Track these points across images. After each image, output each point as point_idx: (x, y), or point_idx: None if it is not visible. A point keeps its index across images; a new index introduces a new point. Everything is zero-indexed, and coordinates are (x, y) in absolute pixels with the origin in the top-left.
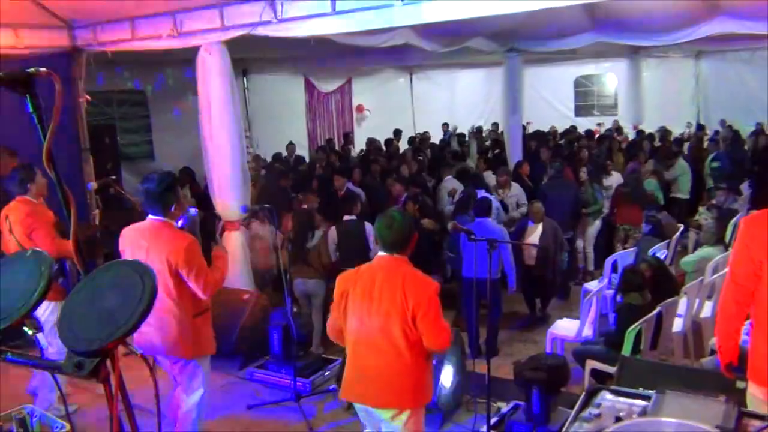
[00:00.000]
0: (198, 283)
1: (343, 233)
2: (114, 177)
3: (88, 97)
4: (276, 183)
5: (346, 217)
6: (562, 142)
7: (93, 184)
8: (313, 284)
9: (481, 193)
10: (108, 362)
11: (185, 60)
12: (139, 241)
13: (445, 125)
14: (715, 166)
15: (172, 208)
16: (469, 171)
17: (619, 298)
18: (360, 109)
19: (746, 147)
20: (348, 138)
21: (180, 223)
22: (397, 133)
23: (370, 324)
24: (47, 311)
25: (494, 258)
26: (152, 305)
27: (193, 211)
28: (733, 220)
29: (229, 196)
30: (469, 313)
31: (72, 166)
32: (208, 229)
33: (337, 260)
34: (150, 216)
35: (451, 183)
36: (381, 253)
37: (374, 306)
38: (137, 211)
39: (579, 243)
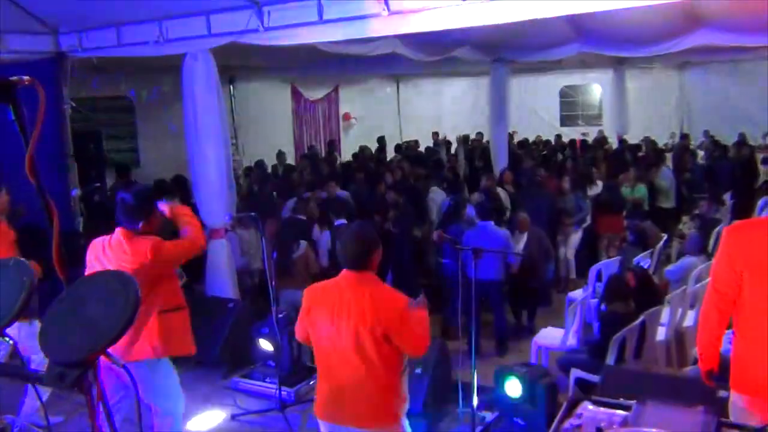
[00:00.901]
0: (178, 252)
1: (335, 238)
2: (98, 184)
3: (73, 103)
4: (261, 189)
5: (337, 222)
6: (545, 152)
7: (77, 191)
8: (297, 295)
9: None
10: (90, 373)
11: (171, 66)
12: (105, 252)
13: (435, 134)
14: (688, 177)
15: (140, 225)
16: (458, 179)
17: (603, 306)
18: (347, 117)
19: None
20: (333, 145)
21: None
22: (381, 140)
23: (340, 343)
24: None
25: (497, 260)
26: (136, 315)
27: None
28: (716, 229)
29: (214, 203)
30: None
31: (56, 173)
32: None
33: (330, 265)
34: (119, 227)
35: (437, 195)
36: (346, 270)
37: (343, 324)
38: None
39: (561, 251)
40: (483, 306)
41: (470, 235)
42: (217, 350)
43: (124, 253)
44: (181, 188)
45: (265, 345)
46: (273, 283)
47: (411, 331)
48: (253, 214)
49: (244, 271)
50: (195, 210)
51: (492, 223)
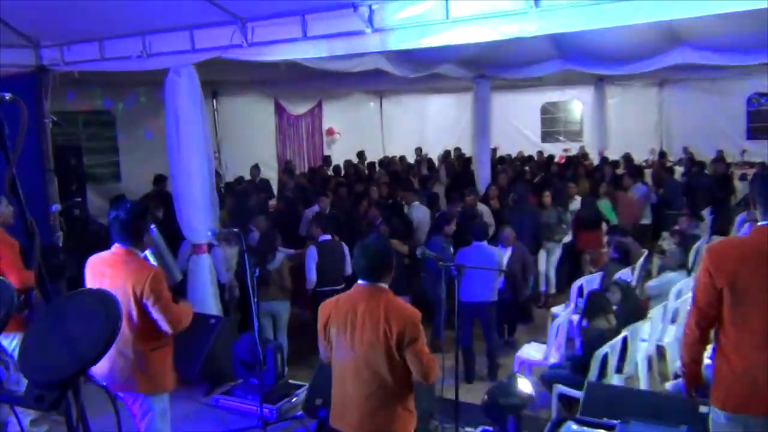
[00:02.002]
0: (164, 314)
1: (321, 253)
2: (79, 199)
3: (54, 118)
4: (244, 204)
5: (321, 237)
6: (527, 167)
7: (57, 206)
8: (275, 305)
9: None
10: (70, 394)
11: (154, 81)
12: (102, 269)
13: (419, 150)
14: (661, 193)
15: (143, 239)
16: (437, 196)
17: (584, 322)
18: (330, 132)
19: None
20: (327, 161)
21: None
22: (361, 154)
23: (353, 354)
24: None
25: (491, 281)
26: (116, 335)
27: (151, 228)
28: (696, 245)
29: (196, 218)
30: (464, 337)
31: (36, 187)
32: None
33: (318, 281)
34: (116, 244)
35: (418, 210)
36: (360, 282)
37: (356, 336)
38: (102, 234)
39: (542, 266)
40: (475, 325)
41: (464, 253)
42: (199, 367)
43: (130, 271)
44: (164, 203)
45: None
46: (255, 299)
47: (421, 347)
48: (236, 229)
49: (228, 287)
50: (177, 225)
51: (485, 243)
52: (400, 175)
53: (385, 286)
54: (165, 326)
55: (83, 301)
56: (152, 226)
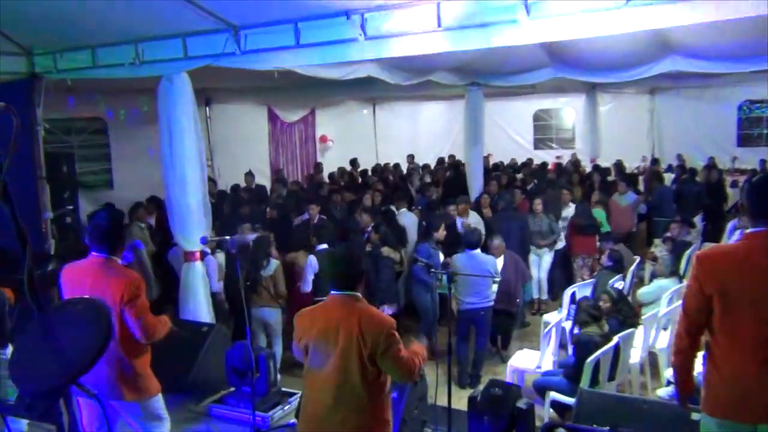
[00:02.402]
0: (138, 322)
1: (320, 261)
2: (71, 207)
3: (46, 125)
4: (237, 212)
5: (319, 246)
6: (520, 175)
7: (49, 214)
8: (268, 312)
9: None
10: (60, 403)
11: (147, 88)
12: (81, 279)
13: (411, 157)
14: (650, 200)
15: (110, 248)
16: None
17: (577, 329)
18: (324, 139)
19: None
20: (318, 168)
21: (121, 260)
22: (354, 162)
23: (327, 363)
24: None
25: (486, 286)
26: (108, 344)
27: (138, 244)
28: (687, 252)
29: (189, 226)
30: (459, 343)
31: (27, 194)
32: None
33: (313, 289)
34: (93, 253)
35: (405, 217)
36: (333, 292)
37: (331, 344)
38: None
39: (534, 273)
40: (470, 332)
41: (459, 260)
42: (191, 375)
43: (110, 279)
44: (157, 208)
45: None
46: (247, 306)
47: (397, 354)
48: (228, 237)
49: (219, 296)
50: (169, 232)
51: (479, 251)
52: (397, 183)
53: (359, 294)
54: (138, 334)
55: (74, 309)
56: (139, 242)
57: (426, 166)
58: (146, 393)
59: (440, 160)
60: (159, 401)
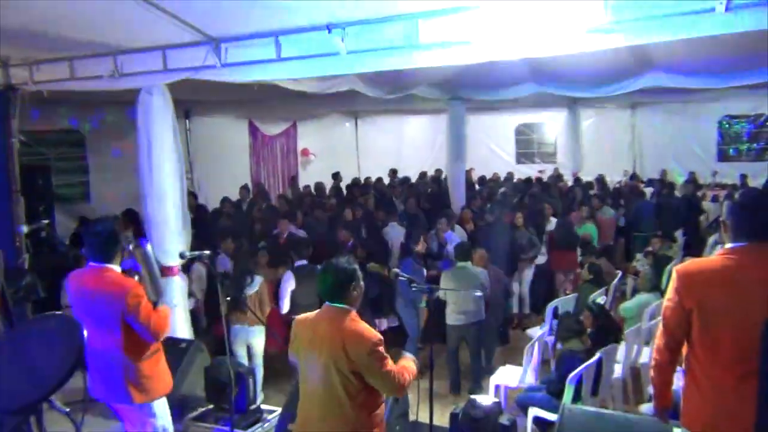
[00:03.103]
0: (146, 325)
1: (297, 279)
2: (47, 221)
3: (21, 137)
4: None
5: (297, 262)
6: (503, 189)
7: (24, 228)
8: (252, 332)
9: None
10: (32, 420)
11: (125, 100)
12: (82, 289)
13: (393, 171)
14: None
15: (106, 257)
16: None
17: (559, 344)
18: (305, 152)
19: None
20: (294, 181)
21: (123, 265)
22: (336, 175)
23: (314, 375)
24: None
25: (476, 300)
26: (81, 360)
27: (143, 243)
28: (668, 266)
29: (167, 240)
30: (450, 356)
31: (2, 208)
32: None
33: (291, 309)
34: (90, 263)
35: (393, 230)
36: (327, 304)
37: (316, 356)
38: (70, 257)
39: (515, 287)
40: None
41: (448, 274)
42: (171, 392)
43: (110, 288)
44: (133, 222)
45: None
46: (227, 322)
47: (382, 370)
48: (207, 252)
49: (200, 311)
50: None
51: (470, 263)
52: (385, 195)
53: (349, 308)
54: (149, 336)
55: (46, 326)
56: (144, 239)
57: (405, 180)
58: (155, 393)
59: (422, 174)
60: (164, 403)
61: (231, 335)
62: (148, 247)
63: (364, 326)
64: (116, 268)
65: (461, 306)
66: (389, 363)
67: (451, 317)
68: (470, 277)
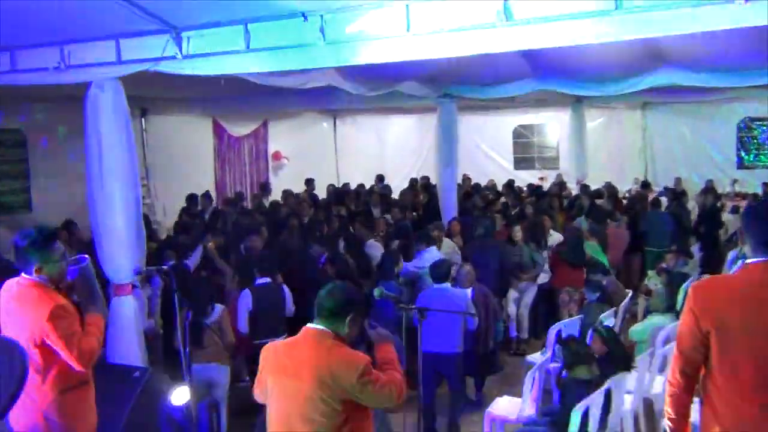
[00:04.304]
0: (70, 352)
1: (257, 299)
2: None
3: None
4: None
5: (258, 280)
6: (504, 199)
7: None
8: (213, 371)
9: None
10: None
11: (73, 96)
12: (8, 305)
13: (380, 177)
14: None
15: (35, 267)
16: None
17: (563, 372)
18: (277, 156)
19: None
20: (265, 189)
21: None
22: (310, 182)
23: (289, 408)
24: None
25: (457, 328)
26: (23, 387)
27: (83, 259)
28: (684, 285)
29: (119, 254)
30: (426, 393)
31: None
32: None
33: (250, 332)
34: (23, 274)
35: (373, 248)
36: (310, 325)
37: (295, 387)
38: (11, 271)
39: (512, 309)
40: (437, 380)
41: (426, 296)
42: (120, 427)
43: (30, 306)
44: (72, 234)
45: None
46: (186, 348)
47: (376, 389)
48: (165, 267)
49: (154, 335)
50: (96, 262)
51: (449, 285)
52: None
53: (336, 333)
54: (74, 365)
55: None
56: (85, 256)
57: (386, 188)
58: None
59: (413, 182)
60: None
61: (192, 374)
62: (88, 264)
63: (349, 350)
64: (47, 281)
65: (437, 332)
66: (381, 378)
67: (425, 344)
68: (450, 299)
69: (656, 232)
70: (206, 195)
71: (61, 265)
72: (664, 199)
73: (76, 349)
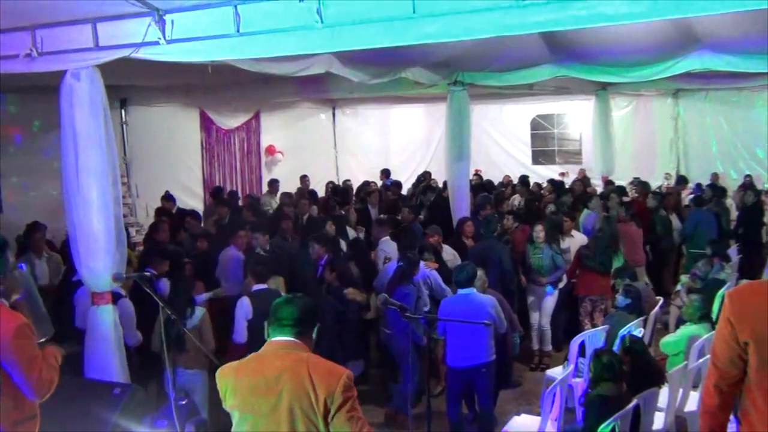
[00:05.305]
0: (30, 378)
1: (256, 306)
2: None
3: None
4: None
5: (255, 287)
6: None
7: None
8: (190, 376)
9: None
10: None
11: (46, 86)
12: None
13: (385, 173)
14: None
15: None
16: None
17: (588, 388)
18: (271, 150)
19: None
20: (273, 186)
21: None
22: (304, 179)
23: (267, 426)
24: None
25: (485, 336)
26: None
27: (22, 266)
28: (720, 291)
29: (97, 259)
30: (452, 412)
31: None
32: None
33: (248, 341)
34: None
35: (388, 246)
36: (276, 338)
37: (272, 405)
38: None
39: (534, 318)
40: (466, 396)
41: (448, 305)
42: None
43: None
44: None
45: None
46: (171, 363)
47: (352, 416)
48: (147, 273)
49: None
50: (72, 267)
51: (474, 290)
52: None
53: (304, 344)
54: (29, 392)
55: None
56: (22, 264)
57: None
58: None
59: (422, 176)
60: None
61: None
62: (26, 269)
63: (329, 362)
64: (3, 298)
65: (465, 343)
66: (360, 411)
67: (452, 359)
68: (476, 306)
69: (700, 233)
70: (166, 196)
71: (14, 276)
72: (689, 197)
73: (36, 376)
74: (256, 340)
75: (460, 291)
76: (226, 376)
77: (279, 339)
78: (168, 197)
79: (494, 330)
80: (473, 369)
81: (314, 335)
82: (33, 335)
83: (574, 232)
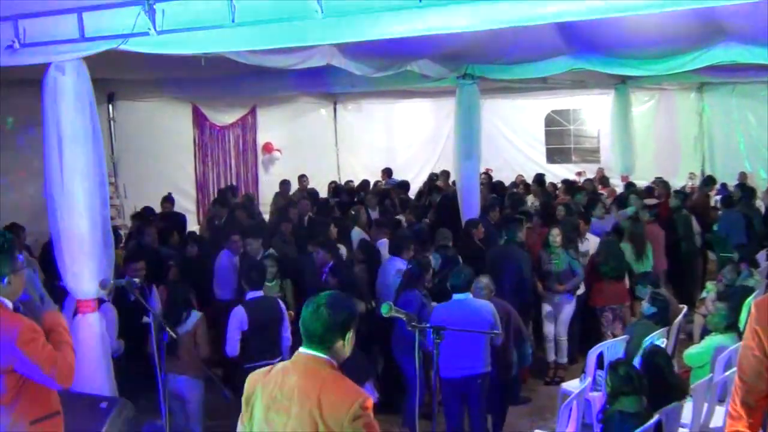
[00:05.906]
0: (49, 371)
1: (252, 315)
2: None
3: None
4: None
5: (250, 294)
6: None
7: None
8: (183, 383)
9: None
10: None
11: (32, 81)
12: None
13: (386, 172)
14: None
15: (4, 281)
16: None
17: (606, 403)
18: (268, 148)
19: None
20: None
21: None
22: (302, 178)
23: None
24: None
25: (482, 345)
26: None
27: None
28: (748, 300)
29: (82, 264)
30: (452, 426)
31: None
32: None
33: (242, 353)
34: None
35: (386, 248)
36: (301, 350)
37: (281, 419)
38: None
39: (549, 328)
40: (464, 408)
41: (442, 311)
42: None
43: None
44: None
45: None
46: (162, 374)
47: None
48: (136, 279)
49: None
50: (57, 274)
51: (470, 295)
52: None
53: (331, 359)
54: (53, 385)
55: None
56: (20, 255)
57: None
58: None
59: (432, 177)
60: None
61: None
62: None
63: (348, 383)
64: (3, 302)
65: (460, 352)
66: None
67: (446, 369)
68: (472, 312)
69: (732, 236)
70: (168, 198)
71: (23, 276)
72: (716, 198)
73: (56, 366)
74: (253, 349)
75: (456, 296)
76: (254, 381)
77: (304, 352)
78: (168, 199)
79: (490, 340)
80: (468, 380)
81: (347, 340)
82: (37, 335)
83: (589, 236)
